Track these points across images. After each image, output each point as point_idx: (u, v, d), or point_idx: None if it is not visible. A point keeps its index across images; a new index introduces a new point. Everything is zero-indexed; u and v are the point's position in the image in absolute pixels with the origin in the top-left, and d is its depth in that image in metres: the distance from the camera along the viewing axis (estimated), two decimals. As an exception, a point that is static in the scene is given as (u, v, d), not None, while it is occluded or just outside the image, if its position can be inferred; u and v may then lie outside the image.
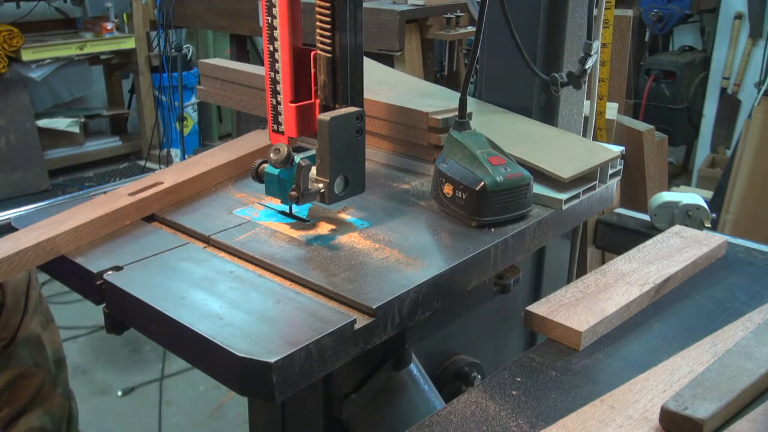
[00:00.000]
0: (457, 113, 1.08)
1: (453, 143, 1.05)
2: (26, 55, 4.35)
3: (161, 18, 4.20)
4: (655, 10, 4.84)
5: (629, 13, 1.97)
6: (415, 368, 1.04)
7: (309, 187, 0.97)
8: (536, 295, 1.33)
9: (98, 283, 0.89)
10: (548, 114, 1.27)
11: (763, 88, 3.37)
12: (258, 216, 1.05)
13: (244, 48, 4.14)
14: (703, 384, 0.78)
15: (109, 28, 4.72)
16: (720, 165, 4.52)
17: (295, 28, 1.02)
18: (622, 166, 1.21)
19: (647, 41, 5.20)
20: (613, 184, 1.20)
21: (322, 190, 0.96)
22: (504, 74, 1.27)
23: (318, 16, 0.97)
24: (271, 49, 1.03)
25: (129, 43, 4.82)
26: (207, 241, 0.99)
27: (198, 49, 5.58)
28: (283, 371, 0.72)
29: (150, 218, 1.06)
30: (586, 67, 1.15)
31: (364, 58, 1.02)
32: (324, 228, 1.01)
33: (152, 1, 4.49)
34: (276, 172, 0.99)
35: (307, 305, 0.82)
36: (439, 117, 1.14)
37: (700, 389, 0.77)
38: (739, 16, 4.77)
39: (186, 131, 5.01)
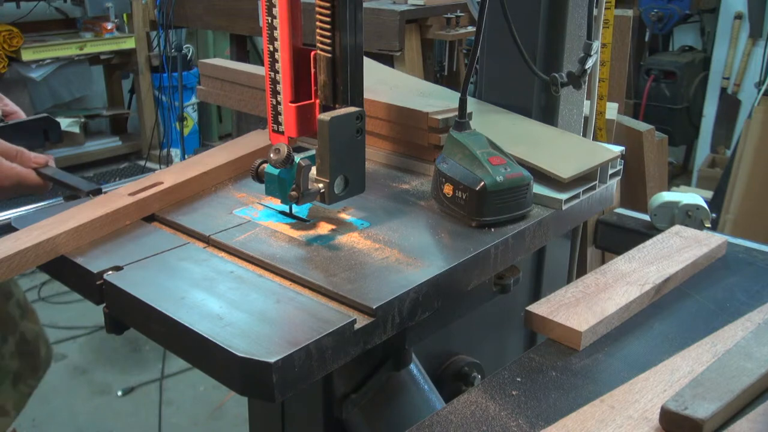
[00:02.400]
0: (457, 113, 1.08)
1: (453, 143, 1.05)
2: (26, 55, 4.35)
3: (161, 18, 4.20)
4: (655, 10, 4.84)
5: (629, 13, 1.97)
6: (415, 368, 1.04)
7: (309, 187, 0.97)
8: (536, 295, 1.33)
9: (98, 283, 0.89)
10: (548, 114, 1.27)
11: (763, 88, 3.37)
12: (258, 216, 1.05)
13: (244, 48, 4.15)
14: (703, 384, 0.78)
15: (109, 28, 4.72)
16: (720, 165, 4.52)
17: (295, 28, 1.02)
18: (622, 166, 1.21)
19: (647, 41, 5.20)
20: (613, 184, 1.20)
21: (322, 190, 0.96)
22: (504, 74, 1.27)
23: (318, 16, 0.97)
24: (271, 49, 1.03)
25: (129, 43, 4.83)
26: (207, 241, 0.99)
27: (198, 49, 5.58)
28: (283, 371, 0.72)
29: (150, 218, 1.06)
30: (586, 67, 1.15)
31: (364, 58, 1.02)
32: (324, 228, 1.01)
33: (152, 1, 4.49)
34: (276, 172, 0.99)
35: (307, 305, 0.82)
36: (439, 117, 1.14)
37: (700, 389, 0.77)
38: (739, 16, 4.77)
39: (186, 131, 5.01)
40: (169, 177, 1.11)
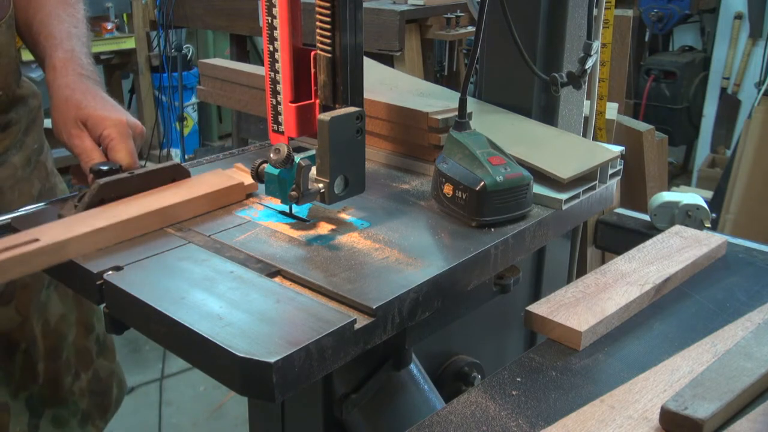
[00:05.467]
0: (457, 113, 1.08)
1: (453, 143, 1.05)
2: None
3: (161, 18, 4.20)
4: (655, 10, 4.84)
5: (629, 13, 1.97)
6: (415, 368, 1.04)
7: (309, 187, 0.97)
8: (536, 295, 1.33)
9: (98, 283, 0.89)
10: (548, 114, 1.27)
11: (763, 88, 3.37)
12: (258, 216, 1.05)
13: (244, 48, 4.15)
14: (703, 384, 0.78)
15: (109, 28, 4.71)
16: (720, 165, 4.52)
17: (295, 28, 1.02)
18: (622, 166, 1.21)
19: (647, 41, 5.20)
20: (613, 184, 1.20)
21: (322, 190, 0.96)
22: (504, 74, 1.27)
23: (318, 16, 0.97)
24: (271, 49, 1.03)
25: (129, 43, 4.82)
26: (207, 241, 0.99)
27: (198, 49, 5.58)
28: (283, 371, 0.72)
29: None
30: (586, 67, 1.15)
31: (364, 58, 1.02)
32: (324, 228, 1.01)
33: (152, 1, 4.49)
34: (276, 172, 0.99)
35: (307, 305, 0.82)
36: (439, 117, 1.14)
37: (700, 389, 0.77)
38: (739, 16, 4.77)
39: (186, 131, 5.01)
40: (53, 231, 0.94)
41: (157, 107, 5.04)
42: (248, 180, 1.09)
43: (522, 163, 1.07)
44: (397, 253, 0.94)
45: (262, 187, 1.03)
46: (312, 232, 1.00)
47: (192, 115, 5.22)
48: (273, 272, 0.90)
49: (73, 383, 1.45)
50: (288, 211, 1.05)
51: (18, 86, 1.32)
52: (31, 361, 1.37)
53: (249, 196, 1.11)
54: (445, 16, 3.23)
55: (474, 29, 1.15)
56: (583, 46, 1.15)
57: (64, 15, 1.29)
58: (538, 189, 1.08)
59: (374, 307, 0.81)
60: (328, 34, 0.97)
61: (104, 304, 0.90)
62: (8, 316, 1.31)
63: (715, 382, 0.78)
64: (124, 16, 4.88)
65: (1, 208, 1.23)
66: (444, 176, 1.03)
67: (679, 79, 4.80)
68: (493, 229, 1.00)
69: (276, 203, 1.07)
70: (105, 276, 0.88)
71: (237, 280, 0.88)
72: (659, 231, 1.22)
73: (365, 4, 2.08)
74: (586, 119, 1.33)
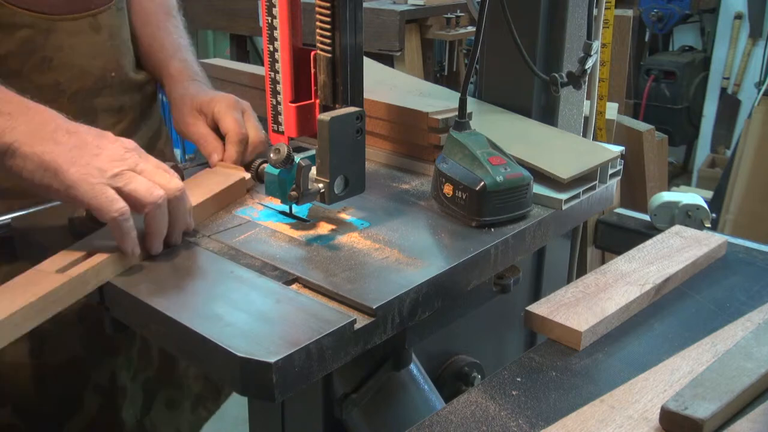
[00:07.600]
0: (457, 113, 1.08)
1: (453, 143, 1.05)
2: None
3: (161, 18, 4.19)
4: (655, 10, 4.84)
5: (629, 13, 1.97)
6: (415, 368, 1.04)
7: (309, 187, 0.97)
8: (536, 295, 1.33)
9: (98, 283, 0.88)
10: (548, 114, 1.27)
11: (763, 88, 3.37)
12: (258, 216, 1.05)
13: (244, 48, 4.14)
14: (703, 384, 0.78)
15: (109, 28, 4.70)
16: (720, 165, 4.52)
17: (295, 28, 1.02)
18: (622, 166, 1.21)
19: (647, 41, 5.20)
20: (613, 184, 1.20)
21: (322, 190, 0.96)
22: (504, 74, 1.27)
23: (318, 16, 0.97)
24: (271, 49, 1.03)
25: (129, 43, 4.80)
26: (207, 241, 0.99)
27: (198, 49, 5.56)
28: (283, 371, 0.72)
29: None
30: (586, 67, 1.15)
31: (364, 58, 1.02)
32: (324, 228, 1.01)
33: (152, 2, 4.48)
34: (276, 172, 0.99)
35: (307, 305, 0.82)
36: (439, 117, 1.14)
37: (700, 389, 0.77)
38: (739, 16, 4.78)
39: (186, 131, 4.99)
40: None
41: (157, 107, 5.02)
42: (244, 174, 1.11)
43: (522, 163, 1.07)
44: (397, 253, 0.94)
45: (261, 186, 1.03)
46: (312, 232, 1.00)
47: (192, 115, 5.20)
48: (276, 274, 0.90)
49: (187, 367, 1.47)
50: (288, 211, 1.05)
51: (134, 71, 1.34)
52: (147, 346, 1.39)
53: (247, 190, 1.11)
54: (445, 16, 3.23)
55: (474, 29, 1.15)
56: (583, 46, 1.15)
57: (171, 27, 1.37)
58: (538, 189, 1.08)
59: (374, 307, 0.81)
60: (328, 34, 0.97)
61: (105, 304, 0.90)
62: None
63: (715, 382, 0.78)
64: (124, 16, 4.87)
65: None
66: (444, 176, 1.03)
67: (679, 79, 4.80)
68: (493, 229, 1.00)
69: (276, 203, 1.07)
70: (105, 276, 0.88)
71: (237, 280, 0.88)
72: (659, 231, 1.22)
73: (365, 4, 2.08)
74: (586, 119, 1.33)
